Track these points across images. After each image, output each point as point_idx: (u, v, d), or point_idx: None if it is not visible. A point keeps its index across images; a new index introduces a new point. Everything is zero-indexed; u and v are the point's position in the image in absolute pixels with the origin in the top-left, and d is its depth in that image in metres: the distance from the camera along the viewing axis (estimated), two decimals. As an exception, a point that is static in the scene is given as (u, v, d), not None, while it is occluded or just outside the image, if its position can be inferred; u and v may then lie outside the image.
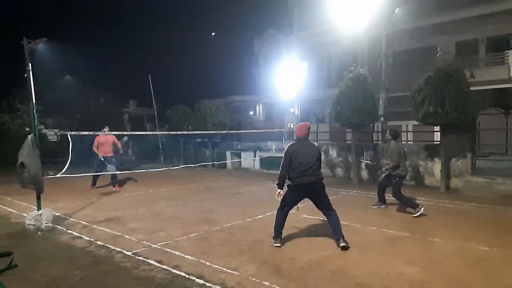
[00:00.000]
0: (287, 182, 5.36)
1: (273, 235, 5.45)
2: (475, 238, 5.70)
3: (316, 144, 7.64)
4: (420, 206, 7.14)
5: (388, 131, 7.78)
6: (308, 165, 5.19)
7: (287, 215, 5.47)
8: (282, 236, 5.47)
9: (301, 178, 5.19)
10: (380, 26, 14.44)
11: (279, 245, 5.35)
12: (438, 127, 10.22)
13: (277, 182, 5.37)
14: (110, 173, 10.62)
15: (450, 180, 10.34)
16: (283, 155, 5.37)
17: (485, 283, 4.12)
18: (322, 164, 5.64)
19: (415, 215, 7.04)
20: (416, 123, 10.71)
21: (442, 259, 4.81)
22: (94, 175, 10.55)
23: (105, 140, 10.61)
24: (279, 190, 5.37)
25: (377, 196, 8.11)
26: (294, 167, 5.22)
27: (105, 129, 10.42)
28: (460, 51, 17.58)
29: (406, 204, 7.37)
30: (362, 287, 4.01)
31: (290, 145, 5.42)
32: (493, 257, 4.90)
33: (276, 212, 5.51)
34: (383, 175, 8.12)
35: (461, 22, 16.72)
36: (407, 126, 15.77)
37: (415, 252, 5.13)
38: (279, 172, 5.37)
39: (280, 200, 5.42)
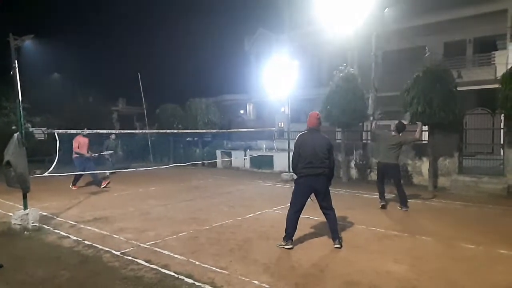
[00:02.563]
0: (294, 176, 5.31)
1: (284, 236, 5.27)
2: (462, 236, 5.79)
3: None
4: (381, 202, 7.80)
5: (397, 122, 7.87)
6: (316, 157, 5.10)
7: (299, 216, 5.27)
8: (277, 235, 5.42)
9: (308, 170, 5.11)
10: (370, 26, 14.56)
11: (290, 246, 5.18)
12: (426, 126, 10.35)
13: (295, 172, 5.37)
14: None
15: (438, 179, 10.47)
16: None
17: (471, 280, 4.18)
18: None
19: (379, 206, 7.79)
20: (405, 122, 10.82)
21: (429, 257, 4.87)
22: (76, 174, 10.65)
23: (84, 142, 10.81)
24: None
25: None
26: (301, 157, 5.14)
27: (84, 131, 10.51)
28: (448, 52, 17.80)
29: (378, 191, 7.92)
30: (351, 285, 4.04)
31: (300, 135, 5.33)
32: (479, 255, 4.98)
33: (287, 213, 5.35)
34: None
35: (449, 23, 16.93)
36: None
37: (403, 250, 5.19)
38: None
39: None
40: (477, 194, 9.27)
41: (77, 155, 10.63)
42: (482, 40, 17.74)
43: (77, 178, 10.92)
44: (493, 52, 17.04)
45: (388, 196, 8.22)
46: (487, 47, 17.42)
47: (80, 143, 10.69)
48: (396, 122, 7.91)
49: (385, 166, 7.65)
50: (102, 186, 10.76)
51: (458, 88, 9.78)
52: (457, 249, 5.23)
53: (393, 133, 7.78)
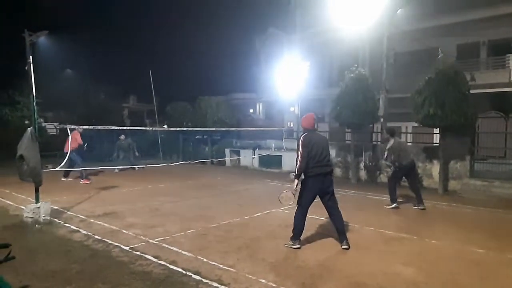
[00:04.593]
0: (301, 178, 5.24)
1: (291, 236, 5.29)
2: (472, 240, 5.73)
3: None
4: (395, 204, 7.95)
5: (385, 130, 8.17)
6: (323, 156, 5.18)
7: (306, 215, 5.27)
8: (284, 234, 5.40)
9: (318, 169, 5.13)
10: (382, 27, 14.42)
11: (298, 246, 5.21)
12: (438, 129, 10.23)
13: (296, 173, 5.15)
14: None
15: (449, 183, 10.35)
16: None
17: (480, 285, 4.13)
18: None
19: (387, 207, 7.98)
20: (415, 124, 10.72)
21: (439, 261, 4.83)
22: (82, 169, 11.20)
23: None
24: (296, 181, 5.17)
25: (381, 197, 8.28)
26: (310, 157, 5.13)
27: (80, 128, 10.85)
28: (461, 54, 17.53)
29: (389, 192, 8.07)
30: (358, 286, 4.03)
31: (306, 135, 5.27)
32: (489, 260, 4.92)
33: (294, 212, 5.33)
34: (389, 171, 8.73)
35: (463, 25, 16.69)
36: (406, 127, 15.80)
37: (411, 253, 5.15)
38: (298, 163, 5.13)
39: (297, 198, 5.27)
40: (488, 198, 9.15)
41: (76, 149, 10.92)
42: (497, 43, 17.46)
43: (83, 172, 11.28)
44: (508, 55, 16.75)
45: (399, 199, 8.23)
46: (502, 49, 17.12)
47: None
48: (385, 129, 8.53)
49: (411, 165, 8.08)
50: (64, 178, 11.40)
51: (471, 91, 9.63)
52: (467, 253, 5.17)
53: (391, 139, 8.07)
